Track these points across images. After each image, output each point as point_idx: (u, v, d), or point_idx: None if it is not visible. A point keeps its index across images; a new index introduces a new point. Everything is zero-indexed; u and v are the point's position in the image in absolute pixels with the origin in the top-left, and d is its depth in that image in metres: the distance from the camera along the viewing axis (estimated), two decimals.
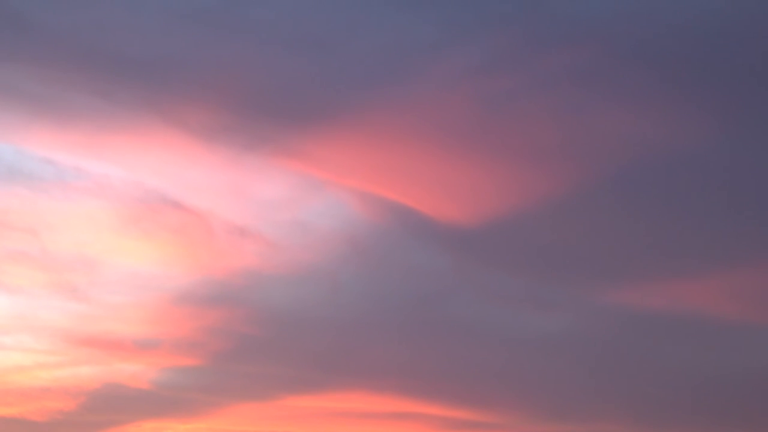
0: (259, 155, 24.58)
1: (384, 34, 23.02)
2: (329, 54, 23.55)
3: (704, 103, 18.34)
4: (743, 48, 18.27)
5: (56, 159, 25.47)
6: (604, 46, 20.05)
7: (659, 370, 22.33)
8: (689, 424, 21.53)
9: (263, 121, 23.58)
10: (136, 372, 27.41)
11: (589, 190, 23.36)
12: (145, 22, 20.85)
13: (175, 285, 27.53)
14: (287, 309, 27.83)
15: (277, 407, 27.51)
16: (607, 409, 25.80)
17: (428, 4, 18.60)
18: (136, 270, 27.04)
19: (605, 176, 23.48)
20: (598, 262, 24.09)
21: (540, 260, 24.53)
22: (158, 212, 26.10)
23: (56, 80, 21.86)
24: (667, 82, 20.17)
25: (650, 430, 24.09)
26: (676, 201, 20.95)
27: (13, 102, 22.32)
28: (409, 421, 28.22)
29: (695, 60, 18.74)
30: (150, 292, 27.29)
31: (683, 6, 17.97)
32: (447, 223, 25.87)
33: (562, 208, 24.27)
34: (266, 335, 28.03)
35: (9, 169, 24.76)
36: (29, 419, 25.47)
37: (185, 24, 22.02)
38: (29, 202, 25.19)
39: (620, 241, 23.14)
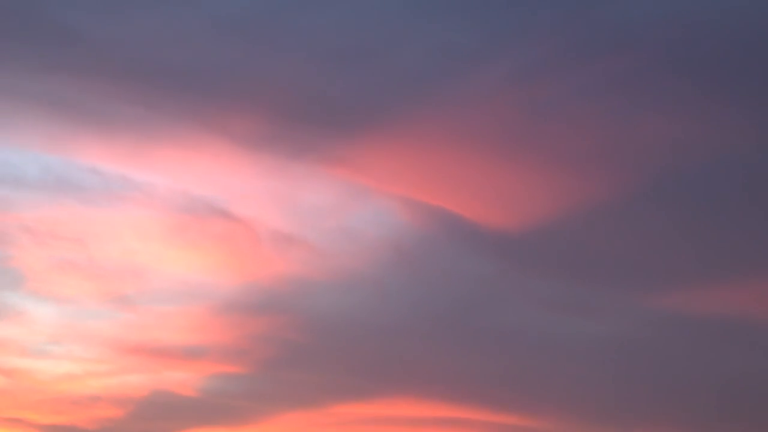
0: (304, 163, 24.53)
1: (428, 42, 23.11)
2: (374, 62, 23.52)
3: (746, 107, 18.37)
4: None
5: (103, 169, 25.51)
6: (648, 53, 20.02)
7: (706, 375, 22.16)
8: (737, 429, 21.40)
9: (308, 130, 23.65)
10: (183, 380, 27.29)
11: (633, 195, 23.24)
12: (190, 33, 20.98)
13: (221, 293, 27.38)
14: (333, 316, 27.61)
15: (325, 415, 27.35)
16: (654, 414, 25.61)
17: (471, 12, 18.63)
18: (183, 278, 27.06)
19: (650, 181, 23.35)
20: (643, 267, 24.00)
21: (585, 266, 24.44)
22: (204, 221, 26.19)
23: (102, 91, 22.04)
24: (710, 87, 20.22)
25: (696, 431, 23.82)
26: (720, 205, 20.99)
27: (61, 113, 22.46)
28: (456, 427, 27.99)
29: (738, 65, 18.82)
30: (197, 301, 27.23)
31: (725, 11, 18.02)
32: (492, 229, 25.71)
33: (607, 214, 24.13)
34: (313, 342, 27.87)
35: (57, 179, 24.91)
36: (80, 427, 25.63)
37: (230, 35, 22.08)
38: (77, 212, 25.39)
39: (666, 246, 23.08)
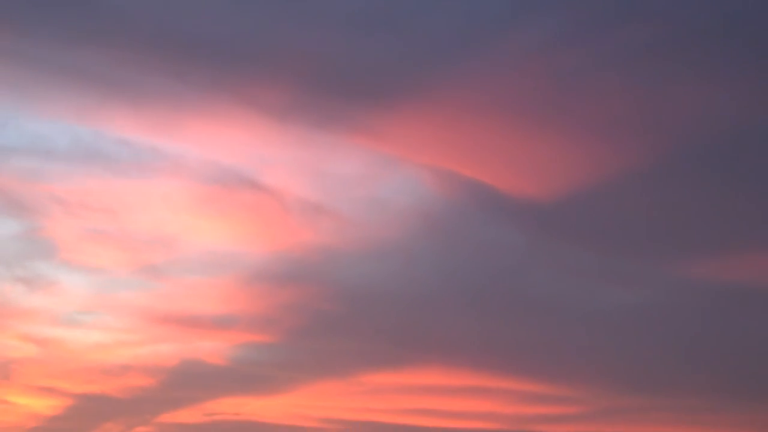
0: (332, 133, 24.51)
1: (454, 13, 23.27)
2: (400, 32, 23.59)
3: None
4: None
5: (132, 140, 25.68)
6: (672, 21, 19.97)
7: (737, 342, 22.08)
8: (762, 392, 21.53)
9: (336, 100, 23.60)
10: (213, 349, 27.41)
11: (663, 163, 23.19)
12: (217, 3, 21.09)
13: (250, 263, 27.53)
14: (362, 285, 27.57)
15: (354, 383, 27.30)
16: (684, 382, 25.35)
17: None
18: (212, 248, 27.24)
19: (679, 150, 23.27)
20: (674, 236, 23.86)
21: (615, 234, 24.31)
22: (233, 191, 26.22)
23: (131, 62, 22.17)
24: (736, 55, 20.10)
25: (728, 402, 23.77)
26: (751, 174, 20.82)
27: (90, 85, 22.54)
28: (485, 395, 27.86)
29: (766, 33, 18.66)
30: (226, 270, 27.34)
31: None
32: (521, 198, 25.55)
33: (636, 182, 24.08)
34: (341, 311, 27.73)
35: (87, 150, 25.07)
36: (111, 395, 25.85)
37: (257, 5, 22.18)
38: (107, 183, 25.57)
39: (696, 215, 22.99)
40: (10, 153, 25.44)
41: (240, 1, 21.84)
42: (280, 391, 28.38)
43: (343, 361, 28.54)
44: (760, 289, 21.58)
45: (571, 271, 26.25)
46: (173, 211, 26.64)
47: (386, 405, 28.80)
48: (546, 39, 22.65)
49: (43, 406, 27.43)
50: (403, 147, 26.41)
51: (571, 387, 27.76)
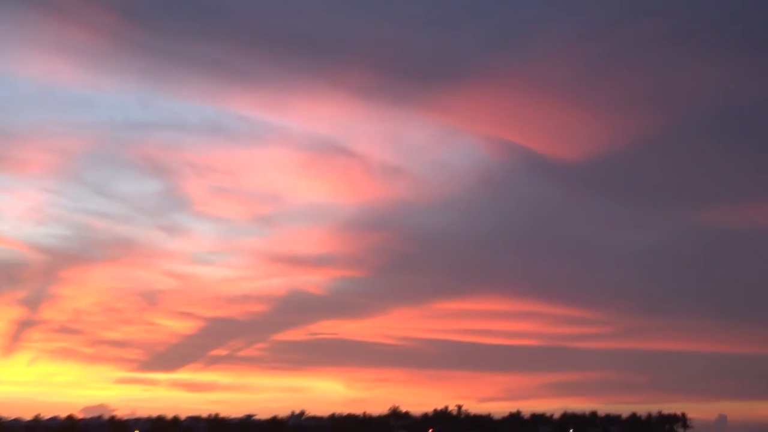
0: (407, 109, 37.77)
1: (504, 10, 46.76)
2: (463, 25, 36.52)
3: None
4: None
5: (248, 116, 39.80)
6: (684, 15, 46.10)
7: (737, 275, 32.67)
8: (762, 316, 31.52)
9: (410, 82, 36.92)
10: (314, 282, 41.13)
11: (674, 131, 34.65)
12: (314, 5, 47.17)
13: (342, 214, 41.76)
14: (431, 231, 41.06)
15: (426, 309, 40.65)
16: (692, 307, 36.54)
17: None
18: (312, 202, 41.53)
19: (687, 120, 35.22)
20: (684, 189, 35.41)
21: (635, 188, 36.44)
22: (328, 156, 60.28)
23: (247, 54, 50.14)
24: (737, 43, 31.40)
25: (728, 323, 34.89)
26: (748, 139, 31.26)
27: (214, 72, 54.59)
28: (530, 318, 40.24)
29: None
30: (323, 220, 41.55)
31: None
32: (558, 159, 38.43)
33: (653, 146, 36.33)
34: (415, 252, 41.19)
35: (212, 125, 56.87)
36: (235, 318, 39.03)
37: (346, 5, 48.95)
38: (228, 150, 57.71)
39: (702, 172, 34.52)
40: (153, 128, 62.57)
41: (332, 3, 47.09)
42: (367, 316, 41.35)
43: (417, 291, 41.68)
44: (756, 233, 32.92)
45: (598, 218, 38.57)
46: (281, 173, 40.15)
47: (450, 326, 42.23)
48: (580, 30, 35.01)
49: (182, 326, 41.22)
50: (464, 120, 39.77)
51: (599, 311, 39.51)
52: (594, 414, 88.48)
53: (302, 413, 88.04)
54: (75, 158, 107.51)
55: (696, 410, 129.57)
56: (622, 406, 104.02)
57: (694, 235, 78.39)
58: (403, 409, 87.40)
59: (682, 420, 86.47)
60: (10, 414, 78.60)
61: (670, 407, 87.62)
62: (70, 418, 79.81)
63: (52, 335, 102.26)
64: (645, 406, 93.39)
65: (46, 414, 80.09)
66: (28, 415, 79.64)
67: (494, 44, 76.36)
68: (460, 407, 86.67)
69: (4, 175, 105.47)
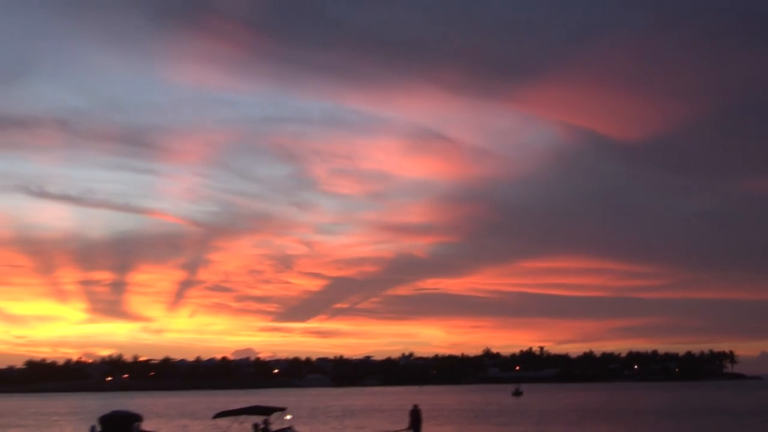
0: (493, 101, 54.48)
1: (576, 11, 51.48)
2: (537, 29, 48.82)
3: None
4: None
5: (361, 110, 52.39)
6: (732, 13, 70.98)
7: None
8: None
9: (495, 78, 49.52)
10: (418, 246, 53.51)
11: (721, 114, 53.56)
12: (413, 15, 69.94)
13: (440, 189, 53.48)
14: (514, 202, 52.37)
15: (511, 268, 53.07)
16: (736, 262, 46.87)
17: None
18: (415, 180, 54.28)
19: (733, 104, 47.39)
20: (728, 163, 46.23)
21: (690, 163, 47.77)
22: (428, 141, 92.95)
23: (359, 59, 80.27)
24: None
25: (764, 273, 44.92)
26: None
27: (332, 74, 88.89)
28: (599, 274, 51.72)
29: None
30: (425, 194, 53.90)
31: None
32: (622, 140, 50.26)
33: (702, 127, 47.97)
34: (501, 221, 52.43)
35: (331, 118, 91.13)
36: (353, 277, 52.49)
37: (441, 15, 72.06)
38: (345, 139, 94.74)
39: (749, 149, 45.85)
40: (283, 122, 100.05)
41: (428, 14, 70.86)
42: (462, 275, 53.23)
43: (503, 253, 53.05)
44: None
45: (656, 189, 50.57)
46: (388, 156, 61.57)
47: (532, 281, 54.29)
48: (644, 28, 47.18)
49: (312, 284, 53.91)
50: (541, 108, 51.16)
51: (658, 267, 51.05)
52: (655, 352, 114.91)
53: (411, 354, 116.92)
54: (221, 148, 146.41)
55: (742, 348, 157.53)
56: (678, 346, 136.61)
57: (739, 202, 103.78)
58: (494, 350, 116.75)
59: (730, 356, 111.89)
60: (176, 356, 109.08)
61: (719, 346, 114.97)
62: (224, 359, 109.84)
63: (207, 293, 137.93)
64: (698, 345, 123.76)
65: (205, 356, 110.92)
66: (190, 357, 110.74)
67: (566, 43, 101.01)
68: (542, 348, 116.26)
69: (166, 164, 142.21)
